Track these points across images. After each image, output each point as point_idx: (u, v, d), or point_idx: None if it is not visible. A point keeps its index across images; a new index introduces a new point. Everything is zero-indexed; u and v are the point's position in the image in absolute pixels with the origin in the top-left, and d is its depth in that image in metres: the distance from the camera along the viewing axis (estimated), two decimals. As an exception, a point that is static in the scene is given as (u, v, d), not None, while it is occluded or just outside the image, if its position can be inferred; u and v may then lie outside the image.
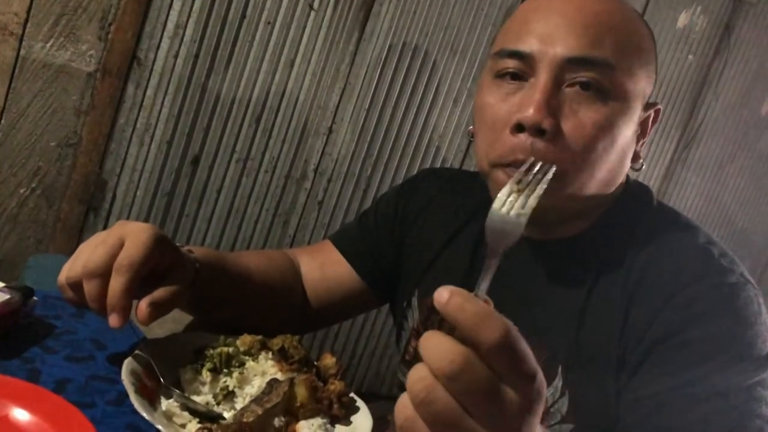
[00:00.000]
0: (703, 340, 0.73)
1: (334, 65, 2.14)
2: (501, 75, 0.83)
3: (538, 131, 0.78)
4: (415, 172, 2.37)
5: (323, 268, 1.11)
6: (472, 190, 1.07)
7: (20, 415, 0.64)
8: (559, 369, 0.84)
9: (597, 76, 0.79)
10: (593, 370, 0.81)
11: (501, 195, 0.57)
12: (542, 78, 0.79)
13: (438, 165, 2.40)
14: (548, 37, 0.80)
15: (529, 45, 0.80)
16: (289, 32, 2.06)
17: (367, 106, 2.24)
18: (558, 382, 0.83)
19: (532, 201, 0.54)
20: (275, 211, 2.19)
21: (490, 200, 1.01)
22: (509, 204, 0.54)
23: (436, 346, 0.45)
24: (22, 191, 1.82)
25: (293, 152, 2.16)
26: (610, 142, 0.81)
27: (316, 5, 2.06)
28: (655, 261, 0.81)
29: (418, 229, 1.08)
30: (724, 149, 3.22)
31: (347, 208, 2.31)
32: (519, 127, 0.79)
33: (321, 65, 2.12)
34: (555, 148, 0.78)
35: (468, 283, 0.96)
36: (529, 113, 0.77)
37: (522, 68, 0.81)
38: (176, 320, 0.97)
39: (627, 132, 0.83)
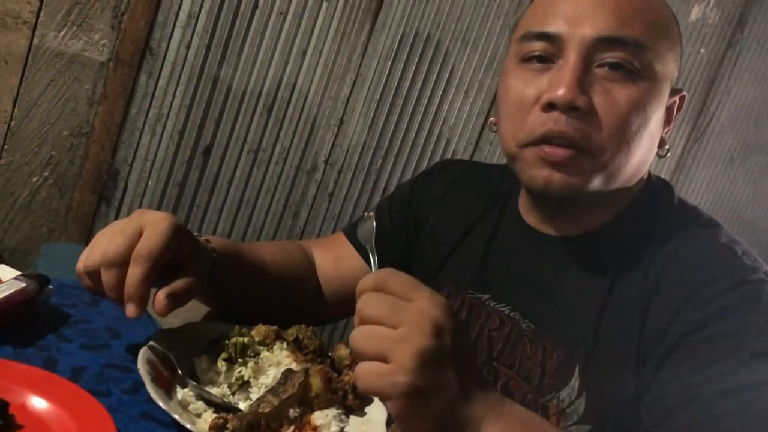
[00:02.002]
0: (726, 336, 0.72)
1: (346, 56, 2.14)
2: (527, 59, 0.82)
3: (571, 109, 0.77)
4: (426, 163, 2.37)
5: (337, 262, 1.10)
6: (486, 183, 1.06)
7: (38, 402, 0.64)
8: (576, 369, 0.82)
9: (627, 56, 0.78)
10: (611, 370, 0.80)
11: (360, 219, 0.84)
12: (572, 58, 0.78)
13: (449, 157, 2.39)
14: (576, 17, 0.79)
15: (557, 26, 0.79)
16: (301, 23, 2.05)
17: (378, 98, 2.23)
18: (575, 382, 0.82)
19: None
20: (285, 203, 2.19)
21: (504, 193, 1.02)
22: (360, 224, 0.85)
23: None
24: (34, 180, 1.82)
25: (304, 143, 2.16)
26: (644, 122, 0.80)
27: (328, -4, 2.05)
28: (676, 259, 0.80)
29: (432, 224, 1.07)
30: (736, 144, 3.19)
31: (357, 200, 2.31)
32: (551, 106, 0.78)
33: (333, 56, 2.12)
34: (590, 125, 0.77)
35: (480, 280, 0.96)
36: (561, 91, 0.76)
37: (550, 50, 0.80)
38: (191, 311, 0.96)
39: (657, 114, 0.82)
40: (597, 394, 0.81)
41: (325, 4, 2.06)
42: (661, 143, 0.86)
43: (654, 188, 0.89)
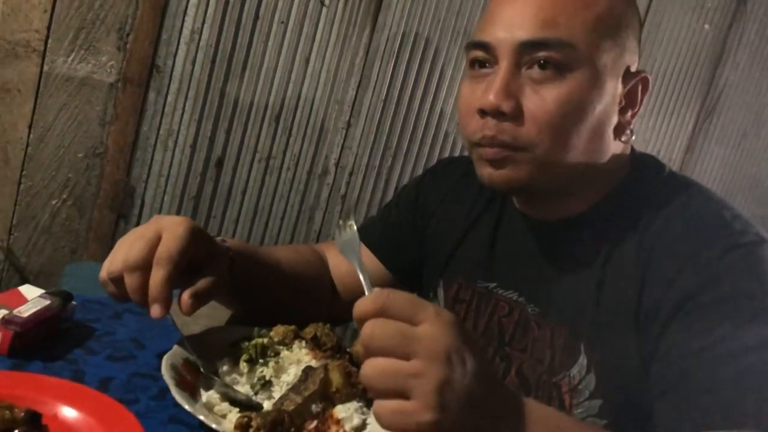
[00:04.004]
0: (723, 300, 0.74)
1: (349, 59, 2.16)
2: (471, 65, 0.88)
3: (499, 114, 0.81)
4: (435, 161, 2.39)
5: None
6: None
7: (68, 413, 0.67)
8: (582, 346, 0.84)
9: (553, 55, 0.81)
10: (615, 344, 0.82)
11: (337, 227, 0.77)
12: (503, 65, 0.82)
13: (457, 153, 2.41)
14: (506, 25, 0.83)
15: (491, 35, 0.84)
16: (303, 30, 2.07)
17: (383, 98, 2.25)
18: (582, 359, 0.84)
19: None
20: (300, 207, 2.22)
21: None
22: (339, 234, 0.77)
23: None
24: (53, 203, 1.87)
25: (313, 148, 2.19)
26: (577, 115, 0.82)
27: (327, 1, 2.08)
28: (668, 228, 0.82)
29: (438, 220, 1.10)
30: (747, 118, 3.17)
31: (370, 200, 2.33)
32: (482, 112, 0.83)
33: (336, 60, 2.14)
34: (519, 126, 0.82)
35: (488, 269, 0.98)
36: (489, 99, 0.81)
37: (487, 58, 0.85)
38: (210, 317, 0.99)
39: (598, 105, 0.83)
40: (604, 369, 0.83)
41: (324, 10, 2.09)
42: (622, 128, 0.87)
43: (641, 165, 0.91)
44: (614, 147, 0.88)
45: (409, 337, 0.58)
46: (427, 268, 1.10)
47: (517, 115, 0.81)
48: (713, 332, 0.73)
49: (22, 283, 0.86)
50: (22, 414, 0.62)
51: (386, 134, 2.29)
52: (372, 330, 0.58)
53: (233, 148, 2.07)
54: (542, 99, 0.81)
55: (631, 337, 0.80)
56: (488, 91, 0.82)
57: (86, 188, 1.89)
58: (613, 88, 0.85)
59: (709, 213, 0.83)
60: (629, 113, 0.88)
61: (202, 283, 0.81)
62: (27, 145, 1.80)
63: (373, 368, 0.58)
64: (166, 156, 1.98)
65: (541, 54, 0.81)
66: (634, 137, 0.89)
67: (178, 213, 2.02)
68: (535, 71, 0.81)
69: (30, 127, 1.79)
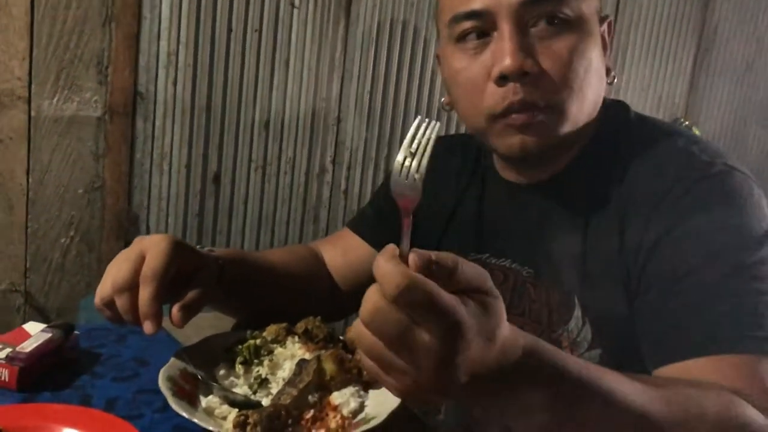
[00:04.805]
0: (697, 231, 0.75)
1: (328, 55, 2.18)
2: (462, 38, 0.85)
3: (521, 75, 0.80)
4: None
5: (346, 254, 1.14)
6: (469, 150, 1.09)
7: (74, 435, 0.70)
8: (575, 299, 0.86)
9: (557, 7, 0.81)
10: (604, 293, 0.83)
11: (398, 161, 0.56)
12: (506, 27, 0.81)
13: (453, 130, 2.42)
14: None
15: (479, 2, 0.82)
16: (277, 34, 2.09)
17: (369, 89, 2.26)
18: (577, 311, 0.86)
19: (425, 161, 0.57)
20: (303, 209, 2.25)
21: (485, 156, 1.05)
22: (405, 169, 0.57)
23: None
24: (62, 241, 1.92)
25: (307, 149, 2.21)
26: (588, 64, 0.83)
27: (297, 2, 2.10)
28: (640, 172, 0.83)
29: (425, 200, 1.11)
30: (748, 48, 3.12)
31: (372, 192, 2.35)
32: (503, 78, 0.81)
33: (315, 58, 2.16)
34: (543, 83, 0.81)
35: (479, 241, 1.00)
36: (508, 62, 0.79)
37: (482, 26, 0.83)
38: (215, 327, 1.02)
39: (597, 50, 0.86)
40: (598, 319, 0.85)
41: (296, 11, 2.10)
42: (607, 72, 0.89)
43: (609, 113, 0.92)
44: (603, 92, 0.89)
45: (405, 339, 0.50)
46: (422, 248, 1.11)
47: (539, 74, 0.81)
48: (689, 264, 0.74)
49: (46, 323, 0.90)
50: (28, 442, 0.65)
51: (378, 124, 2.31)
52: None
53: (228, 161, 2.10)
54: (557, 54, 0.81)
55: (619, 283, 0.82)
56: (502, 55, 0.80)
57: (91, 222, 1.93)
58: (598, 34, 0.87)
59: (677, 150, 0.84)
60: (606, 55, 0.90)
61: (190, 295, 0.83)
62: (28, 190, 1.85)
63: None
64: (163, 179, 2.02)
65: (548, 8, 0.80)
66: (615, 80, 0.90)
67: (183, 232, 2.06)
68: (542, 27, 0.81)
69: (27, 172, 1.84)
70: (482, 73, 0.83)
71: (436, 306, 0.47)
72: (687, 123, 3.33)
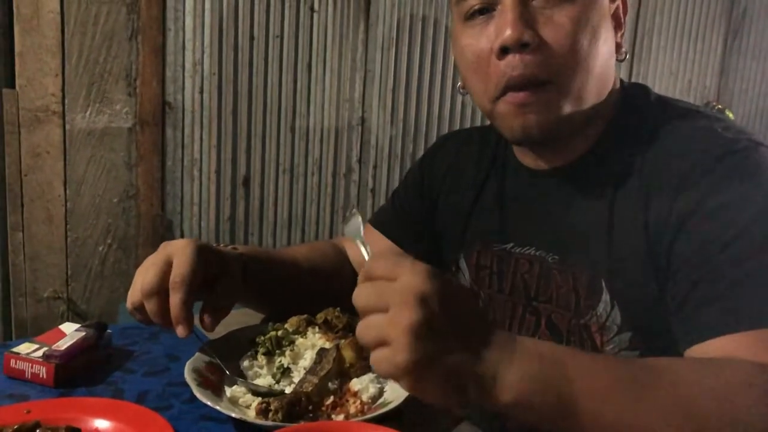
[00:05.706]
0: (725, 207, 0.74)
1: (349, 57, 2.21)
2: (469, 16, 0.86)
3: (521, 46, 0.80)
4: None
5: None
6: (487, 143, 1.10)
7: (105, 425, 0.74)
8: (603, 282, 0.86)
9: None
10: (632, 275, 0.83)
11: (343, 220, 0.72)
12: (507, 0, 0.81)
13: (478, 122, 2.42)
14: None
15: None
16: (299, 39, 2.13)
17: (392, 87, 2.29)
18: (605, 295, 0.85)
19: None
20: (332, 209, 2.28)
21: (503, 146, 1.05)
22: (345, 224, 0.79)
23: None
24: (100, 249, 1.99)
25: (333, 150, 2.24)
26: (592, 36, 0.82)
27: (316, 6, 2.13)
28: (663, 153, 0.82)
29: (446, 195, 1.11)
30: (780, 26, 3.06)
31: (400, 189, 2.37)
32: (504, 50, 0.81)
33: (337, 60, 2.19)
34: (544, 56, 0.81)
35: (503, 231, 1.00)
36: (507, 33, 0.80)
37: (487, 1, 0.84)
38: (241, 323, 1.05)
39: (605, 24, 0.85)
40: (627, 302, 0.84)
41: (315, 15, 2.14)
42: (618, 48, 0.89)
43: (629, 96, 0.91)
44: (614, 71, 0.89)
45: (384, 291, 0.62)
46: (445, 244, 1.12)
47: (539, 45, 0.80)
48: (717, 241, 0.73)
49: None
50: (63, 430, 0.69)
51: (402, 121, 2.33)
52: (357, 294, 0.64)
53: (256, 164, 2.14)
54: (558, 24, 0.80)
55: (645, 264, 0.81)
56: (503, 27, 0.80)
57: (127, 230, 2.00)
58: (607, 8, 0.86)
59: (700, 129, 0.83)
60: (619, 34, 0.89)
61: (217, 298, 0.87)
62: (66, 201, 1.93)
63: (360, 325, 0.63)
64: (194, 185, 2.08)
65: None
66: (627, 56, 0.89)
67: (216, 236, 2.12)
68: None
69: (65, 183, 1.91)
70: (486, 48, 0.83)
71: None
72: (720, 107, 3.26)
